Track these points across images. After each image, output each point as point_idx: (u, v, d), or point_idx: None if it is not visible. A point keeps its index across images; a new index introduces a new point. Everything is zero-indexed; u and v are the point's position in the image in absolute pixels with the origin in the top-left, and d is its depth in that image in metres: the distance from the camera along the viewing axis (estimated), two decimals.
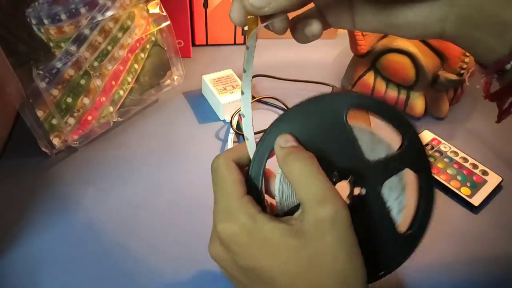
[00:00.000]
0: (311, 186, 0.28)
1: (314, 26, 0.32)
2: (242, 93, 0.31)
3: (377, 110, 0.31)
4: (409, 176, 0.32)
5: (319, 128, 0.31)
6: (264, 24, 0.30)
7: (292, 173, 0.29)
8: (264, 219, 0.29)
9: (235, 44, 0.79)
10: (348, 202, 0.31)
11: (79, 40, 0.52)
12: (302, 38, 0.33)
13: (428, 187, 0.32)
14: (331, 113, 0.31)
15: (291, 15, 0.32)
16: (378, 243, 0.31)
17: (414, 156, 0.31)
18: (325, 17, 0.34)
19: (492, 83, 0.32)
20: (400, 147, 0.31)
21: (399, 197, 0.31)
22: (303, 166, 0.29)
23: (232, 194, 0.30)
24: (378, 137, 0.31)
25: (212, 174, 0.32)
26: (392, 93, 0.64)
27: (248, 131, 0.32)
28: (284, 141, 0.31)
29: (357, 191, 0.32)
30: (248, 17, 0.29)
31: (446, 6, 0.29)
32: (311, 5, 0.33)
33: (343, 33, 0.80)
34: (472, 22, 0.28)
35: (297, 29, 0.33)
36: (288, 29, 0.32)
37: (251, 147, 0.32)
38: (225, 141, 0.59)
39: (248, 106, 0.32)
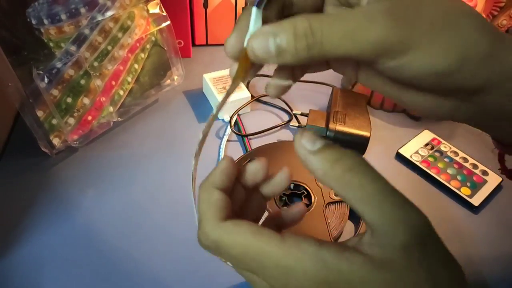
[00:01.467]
0: (384, 204, 0.23)
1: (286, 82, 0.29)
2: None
3: None
4: None
5: None
6: (254, 76, 0.28)
7: (351, 194, 0.23)
8: (335, 254, 0.23)
9: None
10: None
11: (79, 40, 0.52)
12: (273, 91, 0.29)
13: None
14: None
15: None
16: None
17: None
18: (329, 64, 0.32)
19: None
20: None
21: None
22: (364, 181, 0.23)
23: (270, 250, 0.23)
24: None
25: (218, 254, 0.26)
26: None
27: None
28: (311, 142, 0.25)
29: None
30: (244, 55, 0.26)
31: (460, 101, 0.26)
32: None
33: None
34: (490, 116, 0.26)
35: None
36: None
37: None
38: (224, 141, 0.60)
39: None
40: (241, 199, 0.30)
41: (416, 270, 0.22)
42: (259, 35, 0.24)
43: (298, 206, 0.31)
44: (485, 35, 0.24)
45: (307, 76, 0.32)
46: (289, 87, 0.29)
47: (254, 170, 0.30)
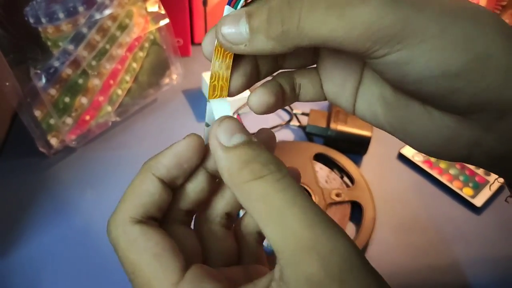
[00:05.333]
0: (293, 222, 0.17)
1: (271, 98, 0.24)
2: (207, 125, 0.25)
3: None
4: None
5: None
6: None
7: (253, 206, 0.18)
8: None
9: None
10: None
11: (77, 39, 0.52)
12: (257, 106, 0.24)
13: None
14: None
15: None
16: None
17: None
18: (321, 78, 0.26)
19: None
20: None
21: None
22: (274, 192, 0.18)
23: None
24: None
25: (117, 256, 0.21)
26: None
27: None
28: (228, 135, 0.19)
29: None
30: (216, 51, 0.22)
31: (480, 130, 0.20)
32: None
33: None
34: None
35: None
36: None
37: None
38: None
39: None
40: (202, 195, 0.23)
41: None
42: (229, 17, 0.20)
43: (264, 132, 0.25)
44: (505, 36, 0.18)
45: None
46: (275, 104, 0.24)
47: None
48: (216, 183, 0.24)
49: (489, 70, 0.18)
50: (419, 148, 0.24)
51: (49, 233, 0.47)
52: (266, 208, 0.18)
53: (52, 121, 0.52)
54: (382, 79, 0.23)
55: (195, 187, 0.23)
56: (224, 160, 0.19)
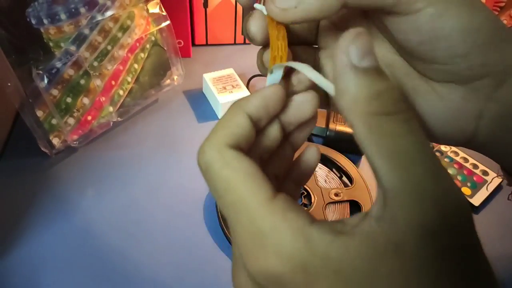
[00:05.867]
0: (416, 166, 0.16)
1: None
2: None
3: None
4: None
5: None
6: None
7: (375, 140, 0.17)
8: (325, 234, 0.17)
9: (235, 44, 0.79)
10: None
11: (79, 40, 0.52)
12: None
13: None
14: None
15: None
16: None
17: None
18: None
19: None
20: None
21: None
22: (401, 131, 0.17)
23: (252, 203, 0.18)
24: None
25: (206, 179, 0.20)
26: None
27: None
28: (361, 54, 0.17)
29: None
30: (270, 26, 0.23)
31: (483, 100, 0.22)
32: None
33: None
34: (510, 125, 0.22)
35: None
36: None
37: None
38: None
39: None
40: (273, 143, 0.24)
41: (431, 274, 0.16)
42: None
43: (311, 150, 0.25)
44: (491, 18, 0.21)
45: None
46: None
47: (304, 99, 0.24)
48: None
49: (498, 29, 0.21)
50: (430, 130, 0.24)
51: (50, 233, 0.48)
52: (393, 147, 0.17)
53: (54, 121, 0.52)
54: (396, 46, 0.24)
55: (271, 134, 0.24)
56: (353, 83, 0.17)
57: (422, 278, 0.16)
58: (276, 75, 0.23)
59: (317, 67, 0.28)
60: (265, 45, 0.25)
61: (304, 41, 0.28)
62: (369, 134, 0.17)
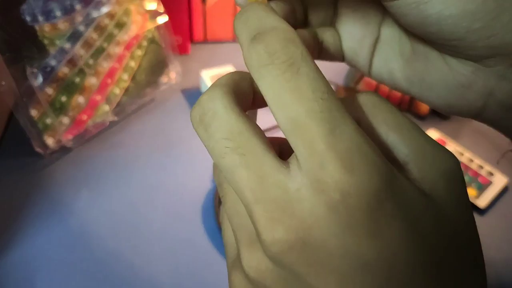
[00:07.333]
0: (418, 133, 0.18)
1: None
2: None
3: None
4: None
5: None
6: None
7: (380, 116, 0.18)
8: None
9: (234, 41, 0.78)
10: None
11: (74, 37, 0.51)
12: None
13: None
14: None
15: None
16: None
17: None
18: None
19: None
20: None
21: None
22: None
23: (268, 159, 0.16)
24: None
25: (202, 134, 0.17)
26: (397, 92, 0.63)
27: None
28: None
29: None
30: None
31: (495, 78, 0.21)
32: None
33: None
34: None
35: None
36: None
37: None
38: None
39: None
40: None
41: (463, 207, 0.17)
42: None
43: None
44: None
45: None
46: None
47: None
48: None
49: (504, 10, 0.19)
50: (435, 101, 0.24)
51: (45, 235, 0.46)
52: (394, 120, 0.18)
53: (48, 121, 0.51)
54: (402, 27, 0.24)
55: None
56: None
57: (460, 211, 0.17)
58: None
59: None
60: None
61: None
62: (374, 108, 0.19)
